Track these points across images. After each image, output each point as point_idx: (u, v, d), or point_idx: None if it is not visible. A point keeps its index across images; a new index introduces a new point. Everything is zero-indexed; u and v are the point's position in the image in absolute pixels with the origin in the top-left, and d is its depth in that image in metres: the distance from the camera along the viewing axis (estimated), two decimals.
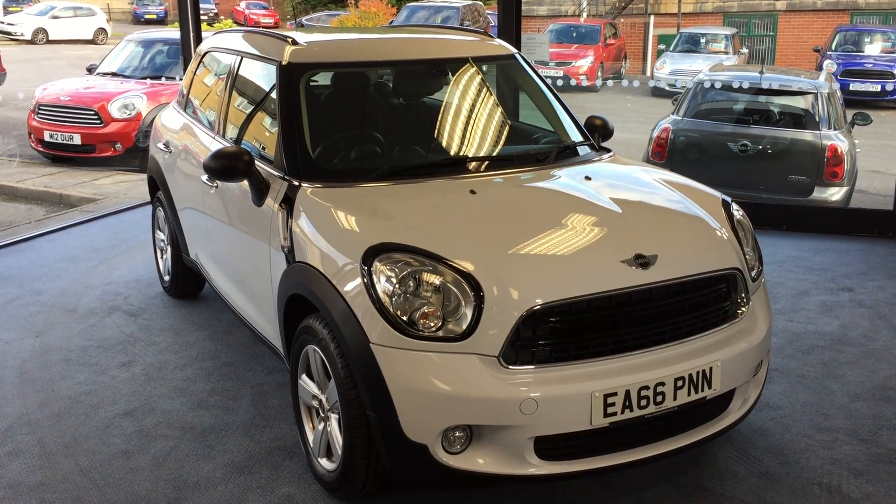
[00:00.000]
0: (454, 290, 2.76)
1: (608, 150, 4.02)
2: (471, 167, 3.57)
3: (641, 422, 2.85)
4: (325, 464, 3.14)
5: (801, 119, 8.01)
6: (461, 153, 3.78)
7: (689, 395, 2.90)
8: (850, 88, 15.68)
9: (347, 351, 2.85)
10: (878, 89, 15.74)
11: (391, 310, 2.76)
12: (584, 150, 3.95)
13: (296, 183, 3.38)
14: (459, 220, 3.09)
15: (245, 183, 3.58)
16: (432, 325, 2.75)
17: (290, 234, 3.25)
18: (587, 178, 3.50)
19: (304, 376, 3.24)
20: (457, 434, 2.77)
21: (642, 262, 2.88)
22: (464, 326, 2.73)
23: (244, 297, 3.96)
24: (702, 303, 3.01)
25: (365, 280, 2.81)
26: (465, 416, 2.71)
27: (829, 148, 7.56)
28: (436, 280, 2.78)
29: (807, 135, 7.79)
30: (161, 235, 5.28)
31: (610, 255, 2.90)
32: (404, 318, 2.75)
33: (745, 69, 12.86)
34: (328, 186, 3.35)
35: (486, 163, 3.63)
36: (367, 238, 2.93)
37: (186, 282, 5.08)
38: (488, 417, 2.71)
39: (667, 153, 8.02)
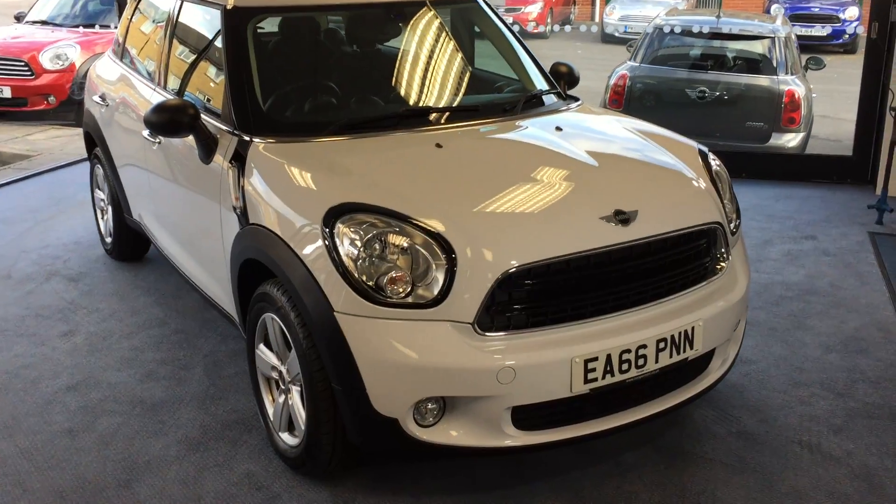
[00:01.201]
0: (424, 252, 2.57)
1: (576, 99, 3.82)
2: (433, 119, 3.35)
3: (622, 386, 2.71)
4: (288, 439, 2.95)
5: (757, 64, 7.90)
6: (423, 104, 3.55)
7: (671, 356, 2.76)
8: (798, 33, 15.67)
9: (309, 320, 2.64)
10: (826, 33, 15.76)
11: (356, 275, 2.55)
12: (551, 100, 3.76)
13: (246, 138, 3.12)
14: (426, 177, 2.88)
15: (191, 138, 3.31)
16: (401, 290, 2.55)
17: (243, 193, 3.01)
18: (558, 128, 3.31)
19: (261, 346, 3.02)
20: (429, 406, 2.60)
21: (622, 218, 2.71)
22: (435, 291, 2.54)
23: (194, 260, 3.71)
24: (682, 260, 2.86)
25: (326, 243, 2.59)
26: (438, 388, 2.54)
27: (786, 93, 7.47)
28: (403, 242, 2.58)
29: (764, 80, 7.68)
30: (101, 195, 4.96)
31: (588, 212, 2.73)
32: (370, 284, 2.55)
33: (701, 13, 12.70)
34: (282, 141, 3.10)
35: (450, 114, 3.41)
36: (327, 197, 2.71)
37: (130, 243, 4.79)
38: (463, 388, 2.54)
39: (624, 101, 7.85)
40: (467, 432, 2.61)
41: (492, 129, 3.31)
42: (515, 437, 2.63)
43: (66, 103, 9.54)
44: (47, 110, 9.53)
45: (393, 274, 2.56)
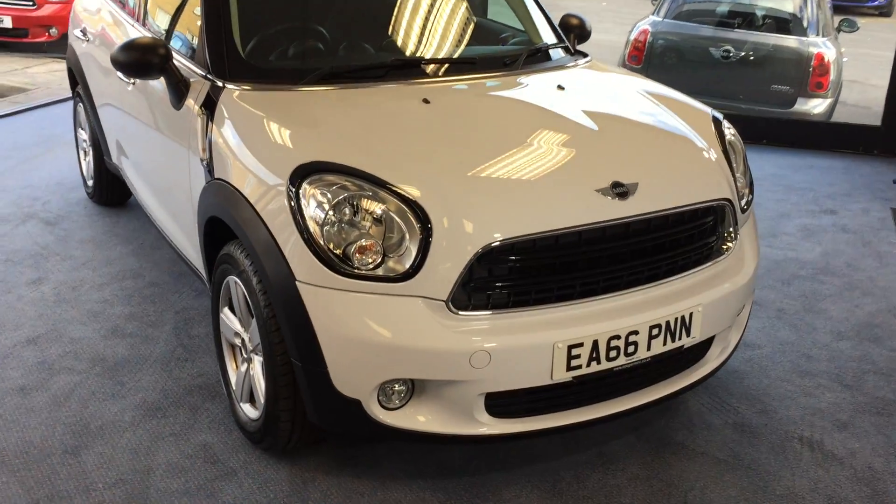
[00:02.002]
0: (397, 220, 2.32)
1: (585, 55, 3.54)
2: (427, 70, 3.08)
3: (609, 374, 2.49)
4: (248, 410, 2.74)
5: (787, 24, 7.52)
6: (416, 54, 3.27)
7: (664, 344, 2.52)
8: None
9: (270, 288, 2.42)
10: None
11: (321, 241, 2.32)
12: (557, 55, 3.47)
13: (219, 83, 2.87)
14: (408, 136, 2.62)
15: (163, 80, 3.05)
16: (370, 261, 2.32)
17: (210, 144, 2.76)
18: (560, 87, 3.03)
19: (226, 309, 2.81)
20: (396, 388, 2.38)
21: (620, 191, 2.46)
22: (407, 264, 2.31)
23: (165, 212, 3.49)
24: (684, 239, 2.61)
25: (292, 204, 2.35)
26: (405, 370, 2.32)
27: (815, 56, 7.10)
28: (376, 208, 2.34)
29: (792, 41, 7.31)
30: (83, 135, 4.73)
31: (583, 183, 2.47)
32: (337, 253, 2.31)
33: None
34: (258, 89, 2.85)
35: (445, 66, 3.13)
36: (296, 154, 2.46)
37: (110, 188, 4.56)
38: (433, 371, 2.32)
39: (644, 57, 7.51)
40: (436, 418, 2.39)
41: (488, 86, 3.04)
42: (488, 426, 2.42)
43: (68, 35, 9.26)
44: (48, 42, 9.27)
45: (362, 242, 2.32)
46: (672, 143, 2.81)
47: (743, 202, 2.87)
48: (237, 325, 2.73)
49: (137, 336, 3.40)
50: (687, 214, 2.59)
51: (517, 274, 2.36)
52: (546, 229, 2.35)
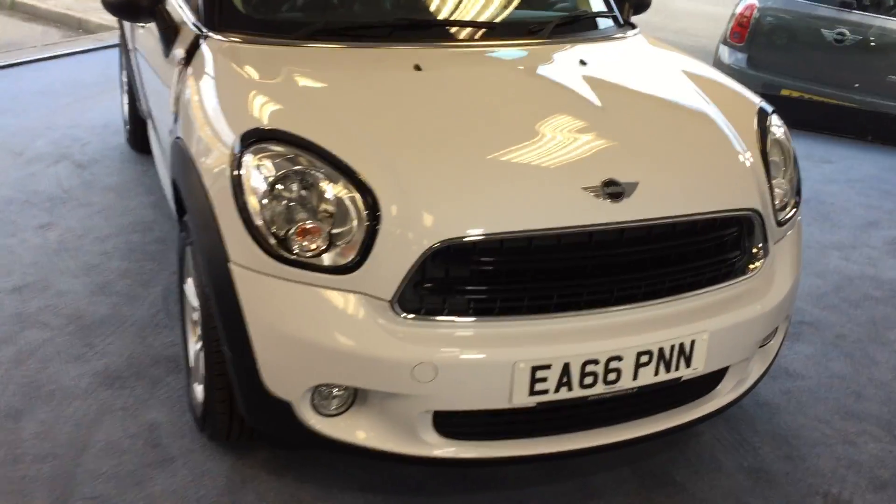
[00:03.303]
0: (347, 203, 2.02)
1: (633, 27, 3.12)
2: (436, 34, 2.74)
3: (585, 403, 2.13)
4: (199, 393, 2.51)
5: None
6: (437, 14, 2.92)
7: (655, 374, 2.15)
8: None
9: (205, 267, 2.16)
10: None
11: (259, 220, 2.03)
12: (603, 24, 3.07)
13: (204, 32, 2.62)
14: (382, 108, 2.30)
15: None
16: (313, 247, 2.02)
17: (179, 98, 2.52)
18: (582, 62, 2.64)
19: (189, 280, 2.58)
20: (335, 392, 2.10)
21: (613, 190, 2.08)
22: (350, 256, 2.01)
23: (160, 166, 3.29)
24: (695, 253, 2.21)
25: (234, 173, 2.08)
26: (338, 375, 2.03)
27: None
28: (325, 187, 2.04)
29: None
30: (125, 78, 4.59)
31: (569, 178, 2.10)
32: (275, 233, 2.03)
33: None
34: (242, 42, 2.58)
35: (457, 29, 2.78)
36: (248, 118, 2.19)
37: (143, 134, 4.41)
38: (370, 381, 2.02)
39: (748, 35, 6.86)
40: (377, 433, 2.10)
41: (497, 55, 2.68)
42: (437, 447, 2.10)
43: None
44: None
45: (308, 225, 2.03)
46: (694, 137, 2.39)
47: (783, 215, 2.43)
48: (194, 300, 2.49)
49: (124, 295, 3.23)
50: (700, 224, 2.18)
51: (480, 278, 2.03)
52: (516, 229, 2.01)
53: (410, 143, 2.14)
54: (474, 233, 1.98)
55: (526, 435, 2.16)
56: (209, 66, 2.48)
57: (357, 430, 2.10)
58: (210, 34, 2.59)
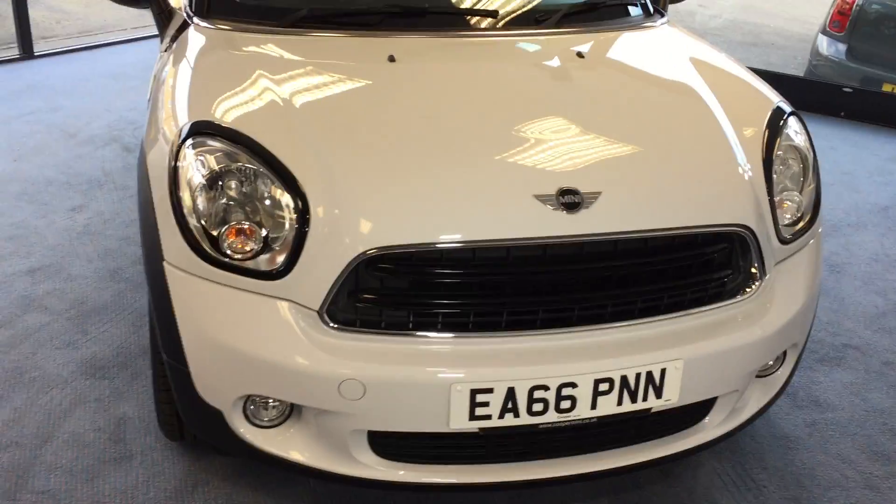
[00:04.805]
0: (281, 206, 1.90)
1: (662, 15, 2.86)
2: (431, 22, 2.57)
3: (539, 431, 1.95)
4: None
5: None
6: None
7: (619, 404, 1.93)
8: None
9: (145, 265, 2.09)
10: None
11: (191, 218, 1.93)
12: (633, 13, 2.83)
13: (191, 17, 2.55)
14: (339, 103, 2.16)
15: None
16: (246, 249, 1.91)
17: (151, 87, 2.45)
18: (579, 54, 2.42)
19: None
20: (271, 402, 1.99)
21: (569, 200, 1.87)
22: (279, 260, 1.88)
23: None
24: (675, 271, 1.98)
25: (172, 165, 1.98)
26: (266, 387, 1.91)
27: None
28: (263, 188, 1.92)
29: None
30: None
31: (521, 185, 1.91)
32: (207, 232, 1.92)
33: None
34: (224, 28, 2.49)
35: (456, 18, 2.61)
36: (192, 110, 2.09)
37: None
38: (297, 395, 1.90)
39: (848, 24, 6.35)
40: (310, 449, 1.97)
41: (483, 46, 2.49)
42: (373, 469, 1.96)
43: None
44: None
45: (245, 225, 1.91)
46: (682, 142, 2.13)
47: (794, 231, 2.16)
48: None
49: (131, 283, 3.21)
50: (676, 240, 1.95)
51: (420, 290, 1.87)
52: (457, 238, 1.84)
53: (357, 143, 1.99)
54: (409, 241, 1.82)
55: (475, 461, 2.00)
56: (185, 51, 2.40)
57: (290, 445, 1.98)
58: (195, 20, 2.51)
